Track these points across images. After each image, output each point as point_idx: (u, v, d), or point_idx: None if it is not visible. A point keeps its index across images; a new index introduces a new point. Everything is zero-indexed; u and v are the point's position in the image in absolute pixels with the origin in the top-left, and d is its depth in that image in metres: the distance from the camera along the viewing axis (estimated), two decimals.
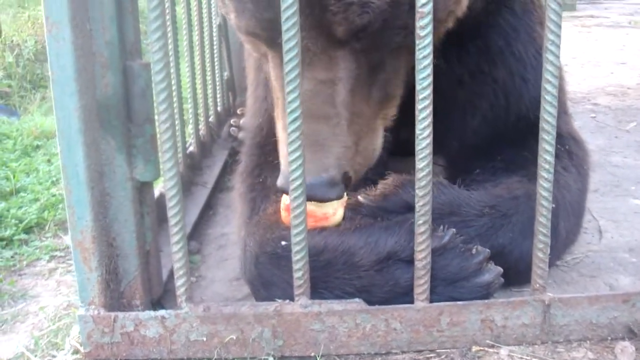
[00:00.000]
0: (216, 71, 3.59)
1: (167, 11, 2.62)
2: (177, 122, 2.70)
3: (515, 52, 2.35)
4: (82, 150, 1.67)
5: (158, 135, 1.66)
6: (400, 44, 1.84)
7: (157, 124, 1.66)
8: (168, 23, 2.60)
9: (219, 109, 3.66)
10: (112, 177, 1.75)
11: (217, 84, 3.63)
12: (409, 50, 1.85)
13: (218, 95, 3.66)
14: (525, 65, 2.36)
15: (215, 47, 3.56)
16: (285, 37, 1.53)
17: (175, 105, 2.66)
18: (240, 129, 3.40)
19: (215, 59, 3.58)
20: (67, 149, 1.67)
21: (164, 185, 1.66)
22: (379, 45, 1.82)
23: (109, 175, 1.75)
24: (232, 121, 3.55)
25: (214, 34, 3.55)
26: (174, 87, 2.67)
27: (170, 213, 1.67)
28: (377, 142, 1.98)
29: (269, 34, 1.79)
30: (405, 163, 2.67)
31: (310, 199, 1.73)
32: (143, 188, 1.81)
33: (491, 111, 2.38)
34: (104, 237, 1.77)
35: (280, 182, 1.82)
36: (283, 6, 1.50)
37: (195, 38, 3.24)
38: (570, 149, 2.29)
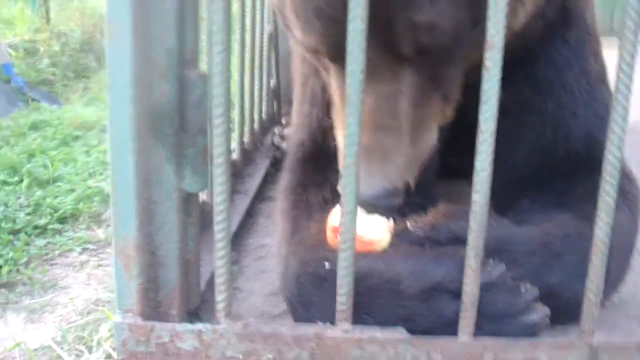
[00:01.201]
0: (264, 79, 3.57)
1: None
2: None
3: (566, 85, 2.29)
4: (133, 158, 1.65)
5: (211, 150, 1.64)
6: (460, 56, 1.85)
7: (211, 137, 1.63)
8: None
9: (263, 116, 3.64)
10: (160, 186, 1.72)
11: (264, 91, 3.61)
12: (467, 59, 1.88)
13: (264, 103, 3.64)
14: (576, 99, 2.30)
15: (264, 54, 3.54)
16: (349, 48, 1.49)
17: None
18: (284, 138, 3.38)
19: (264, 67, 3.56)
20: (117, 154, 1.66)
21: (214, 200, 1.63)
22: (442, 60, 1.82)
23: (157, 184, 1.72)
24: (276, 130, 3.53)
25: (264, 42, 3.53)
26: None
27: (217, 228, 1.64)
28: (432, 143, 1.99)
29: (334, 52, 1.78)
30: (451, 187, 2.64)
31: (373, 209, 1.79)
32: (189, 198, 1.78)
33: (538, 143, 2.32)
34: (147, 246, 1.75)
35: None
36: (350, 28, 1.47)
37: (247, 46, 3.23)
38: (623, 186, 2.23)
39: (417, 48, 1.74)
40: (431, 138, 1.97)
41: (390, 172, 1.80)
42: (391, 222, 1.87)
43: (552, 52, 2.28)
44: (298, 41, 1.89)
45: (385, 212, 1.85)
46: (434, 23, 1.69)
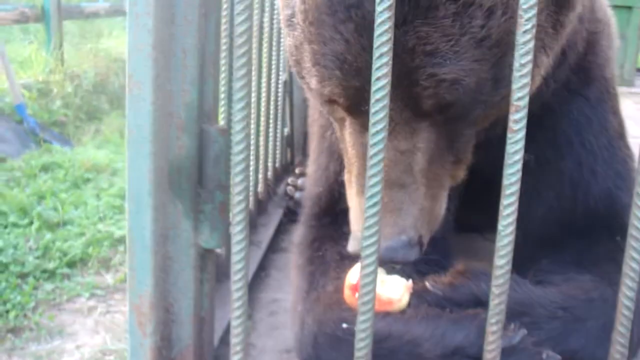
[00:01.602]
0: (278, 127, 3.56)
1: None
2: None
3: (586, 143, 2.27)
4: (151, 214, 1.62)
5: (231, 207, 1.61)
6: (479, 116, 1.83)
7: (231, 194, 1.61)
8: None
9: (277, 165, 3.63)
10: (176, 241, 1.70)
11: (278, 140, 3.60)
12: (483, 120, 1.88)
13: (278, 152, 3.63)
14: (596, 157, 2.28)
15: (279, 103, 3.54)
16: (373, 109, 1.47)
17: None
18: (297, 188, 3.35)
19: (279, 115, 3.55)
20: (135, 211, 1.63)
21: (232, 259, 1.59)
22: (460, 118, 1.80)
23: (173, 239, 1.70)
24: (289, 180, 3.51)
25: (279, 90, 3.53)
26: None
27: (234, 287, 1.60)
28: (444, 203, 1.95)
29: (353, 102, 1.76)
30: (466, 242, 2.61)
31: (390, 261, 1.73)
32: (205, 254, 1.75)
33: (557, 202, 2.30)
34: (162, 303, 1.72)
35: (351, 246, 1.80)
36: (374, 76, 1.45)
37: (262, 94, 3.22)
38: None
39: (438, 104, 1.72)
40: (444, 199, 1.94)
41: (405, 224, 1.76)
42: (410, 282, 1.83)
43: (572, 110, 2.27)
44: (315, 91, 1.86)
45: (402, 265, 1.81)
46: (457, 79, 1.68)
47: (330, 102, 1.84)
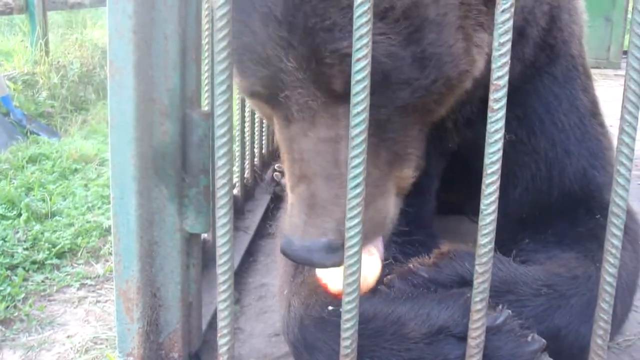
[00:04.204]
0: None
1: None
2: None
3: (557, 122, 2.26)
4: (135, 199, 1.63)
5: (215, 190, 1.61)
6: (407, 101, 1.73)
7: (214, 178, 1.61)
8: None
9: (263, 151, 3.63)
10: (162, 226, 1.71)
11: (264, 125, 3.60)
12: (420, 109, 1.78)
13: (264, 138, 3.63)
14: (569, 136, 2.27)
15: None
16: (353, 90, 1.48)
17: None
18: (284, 173, 3.36)
19: None
20: (119, 196, 1.64)
21: (217, 243, 1.60)
22: (382, 101, 1.70)
23: (159, 224, 1.70)
24: (276, 166, 3.51)
25: None
26: None
27: (220, 271, 1.61)
28: (389, 208, 1.85)
29: (270, 92, 1.72)
30: (450, 223, 2.62)
31: (305, 263, 1.70)
32: (191, 239, 1.77)
33: (533, 182, 2.29)
34: (149, 288, 1.73)
35: (282, 244, 1.71)
36: (354, 57, 1.45)
37: None
38: (625, 223, 2.21)
39: (348, 82, 1.59)
40: (386, 200, 1.83)
41: (326, 225, 1.67)
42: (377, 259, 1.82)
43: (540, 89, 2.26)
44: (241, 88, 1.82)
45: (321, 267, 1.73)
46: None
47: (252, 95, 1.80)
